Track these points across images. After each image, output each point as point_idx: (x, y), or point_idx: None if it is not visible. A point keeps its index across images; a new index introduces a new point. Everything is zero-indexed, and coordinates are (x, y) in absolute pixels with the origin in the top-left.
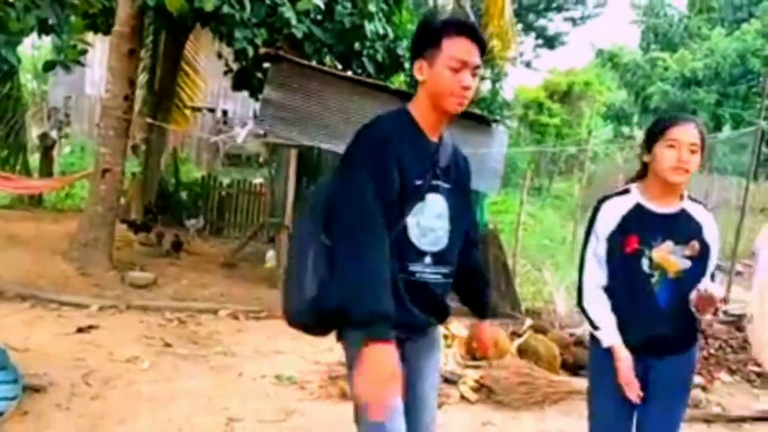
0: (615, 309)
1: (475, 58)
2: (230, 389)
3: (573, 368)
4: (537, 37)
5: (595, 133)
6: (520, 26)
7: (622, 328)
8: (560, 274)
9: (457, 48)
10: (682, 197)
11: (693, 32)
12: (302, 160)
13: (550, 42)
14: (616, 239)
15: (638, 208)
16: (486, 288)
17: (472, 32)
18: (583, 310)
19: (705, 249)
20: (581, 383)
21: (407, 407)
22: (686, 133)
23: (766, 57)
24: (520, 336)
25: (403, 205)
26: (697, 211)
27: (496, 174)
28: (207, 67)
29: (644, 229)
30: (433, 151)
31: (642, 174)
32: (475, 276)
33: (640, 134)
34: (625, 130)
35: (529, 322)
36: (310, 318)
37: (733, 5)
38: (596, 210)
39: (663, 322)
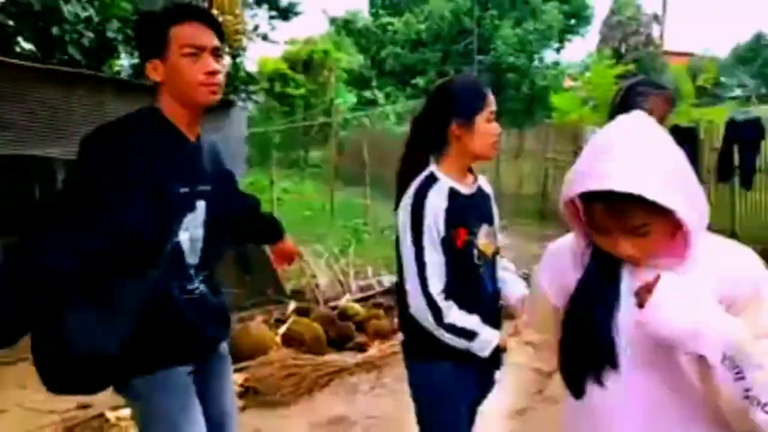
0: None
1: (212, 40)
2: None
3: (339, 343)
4: (270, 9)
5: (341, 100)
6: None
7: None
8: (322, 245)
9: (188, 33)
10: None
11: None
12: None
13: (284, 13)
14: (446, 235)
15: (453, 194)
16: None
17: (201, 15)
18: (450, 328)
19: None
20: (348, 358)
21: None
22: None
23: (477, 17)
24: (284, 322)
25: (171, 221)
26: (485, 184)
27: (239, 158)
28: None
29: (466, 217)
30: (195, 153)
31: (435, 148)
32: (252, 212)
33: (381, 96)
34: (367, 94)
35: (293, 305)
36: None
37: None
38: (419, 207)
39: (493, 312)
